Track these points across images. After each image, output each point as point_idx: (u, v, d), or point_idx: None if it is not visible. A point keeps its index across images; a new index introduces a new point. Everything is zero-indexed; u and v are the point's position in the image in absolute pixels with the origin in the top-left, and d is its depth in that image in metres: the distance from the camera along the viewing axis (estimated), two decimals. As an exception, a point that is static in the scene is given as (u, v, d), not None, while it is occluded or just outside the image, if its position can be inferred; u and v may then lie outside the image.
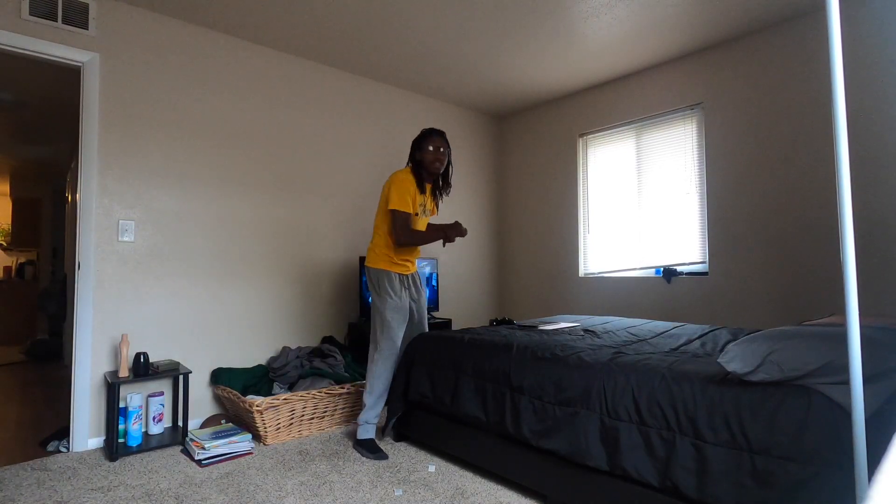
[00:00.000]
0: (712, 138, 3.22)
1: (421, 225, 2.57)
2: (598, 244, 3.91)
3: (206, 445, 2.32)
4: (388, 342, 2.46)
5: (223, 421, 2.79)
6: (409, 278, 2.62)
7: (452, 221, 2.60)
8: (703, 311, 3.24)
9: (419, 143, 2.49)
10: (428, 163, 2.45)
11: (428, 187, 2.56)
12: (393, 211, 2.39)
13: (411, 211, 2.41)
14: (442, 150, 2.47)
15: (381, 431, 2.70)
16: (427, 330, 2.70)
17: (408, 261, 2.59)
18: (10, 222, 6.91)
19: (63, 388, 3.93)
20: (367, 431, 2.46)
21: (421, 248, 2.64)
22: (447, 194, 2.64)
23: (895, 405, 1.38)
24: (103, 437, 2.58)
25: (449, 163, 2.56)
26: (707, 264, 3.24)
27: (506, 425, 1.95)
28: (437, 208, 2.69)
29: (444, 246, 2.56)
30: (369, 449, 2.40)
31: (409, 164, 2.52)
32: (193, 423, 2.85)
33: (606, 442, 1.64)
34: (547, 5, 2.74)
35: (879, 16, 2.61)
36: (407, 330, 2.65)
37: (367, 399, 2.47)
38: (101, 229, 2.62)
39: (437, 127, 4.20)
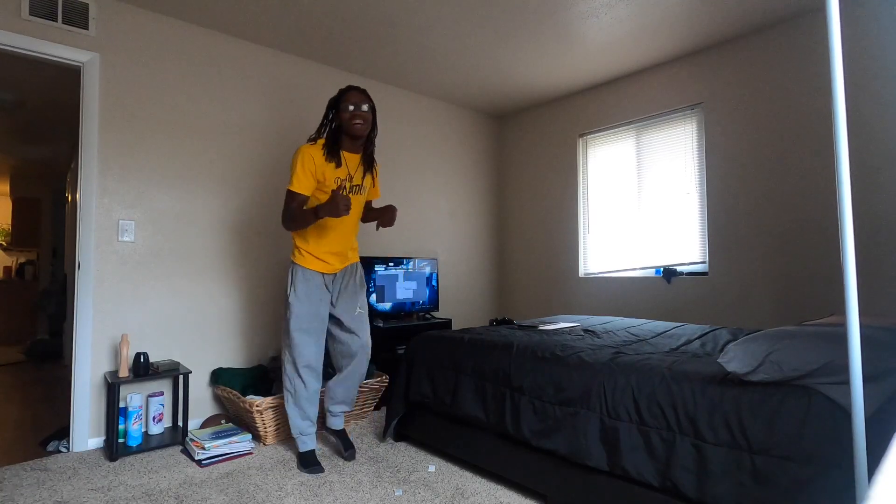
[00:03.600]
0: (712, 138, 3.22)
1: (353, 205, 2.25)
2: (598, 244, 3.91)
3: (206, 445, 2.32)
4: (293, 353, 2.21)
5: (223, 421, 2.79)
6: (336, 279, 2.31)
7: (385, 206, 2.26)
8: (703, 311, 3.24)
9: (336, 103, 2.15)
10: (345, 122, 2.11)
11: (353, 158, 2.22)
12: (287, 191, 2.12)
13: (307, 192, 2.10)
14: (364, 107, 2.12)
15: (383, 433, 2.70)
16: (363, 342, 2.34)
17: (333, 255, 2.25)
18: (10, 222, 6.90)
19: (63, 388, 3.93)
20: (302, 444, 2.27)
21: (350, 240, 2.31)
22: (375, 164, 2.33)
23: (895, 405, 1.38)
24: (103, 437, 2.58)
25: (374, 127, 2.23)
26: (707, 264, 3.24)
27: (506, 425, 1.95)
28: (376, 184, 2.41)
29: (377, 229, 2.35)
30: (303, 462, 2.24)
31: (319, 135, 2.18)
32: (193, 423, 2.85)
33: (606, 442, 1.64)
34: (547, 5, 2.74)
35: (879, 16, 2.61)
36: (335, 346, 2.36)
37: (287, 410, 2.27)
38: (101, 229, 2.62)
39: (438, 127, 4.20)
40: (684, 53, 3.33)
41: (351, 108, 2.10)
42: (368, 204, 2.48)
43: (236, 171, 3.09)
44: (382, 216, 2.22)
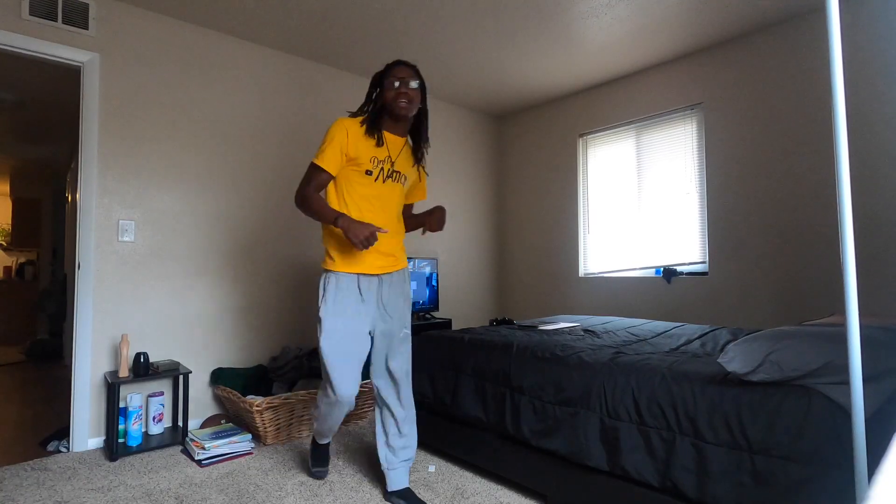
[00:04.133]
0: (712, 138, 3.22)
1: (389, 193, 1.87)
2: (598, 244, 3.91)
3: (206, 445, 2.32)
4: (330, 383, 1.80)
5: (223, 421, 2.79)
6: (381, 286, 1.88)
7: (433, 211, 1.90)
8: (703, 311, 3.24)
9: (380, 79, 1.84)
10: (390, 101, 1.78)
11: (396, 142, 1.87)
12: (310, 164, 1.82)
13: (332, 169, 1.77)
14: (411, 84, 1.78)
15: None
16: (406, 369, 1.94)
17: (374, 251, 1.84)
18: (10, 222, 6.90)
19: (63, 388, 3.93)
20: (321, 438, 2.10)
21: (395, 237, 1.91)
22: (425, 152, 1.97)
23: (895, 405, 1.38)
24: (103, 437, 2.58)
25: (425, 112, 1.90)
26: (707, 264, 3.24)
27: (506, 425, 1.95)
28: (423, 176, 2.05)
29: (423, 234, 1.96)
30: (313, 459, 2.12)
31: (363, 112, 1.86)
32: (193, 423, 2.85)
33: (606, 442, 1.64)
34: (547, 5, 2.74)
35: (879, 16, 2.61)
36: (374, 363, 1.93)
37: (313, 416, 2.03)
38: (101, 229, 2.62)
39: (438, 127, 4.20)
40: (684, 53, 3.33)
41: (397, 84, 1.77)
42: (409, 208, 2.12)
43: (236, 170, 3.09)
44: (429, 218, 1.88)
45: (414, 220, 2.07)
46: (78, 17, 2.56)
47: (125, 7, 2.71)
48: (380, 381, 1.92)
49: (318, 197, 1.77)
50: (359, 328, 1.81)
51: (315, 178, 1.79)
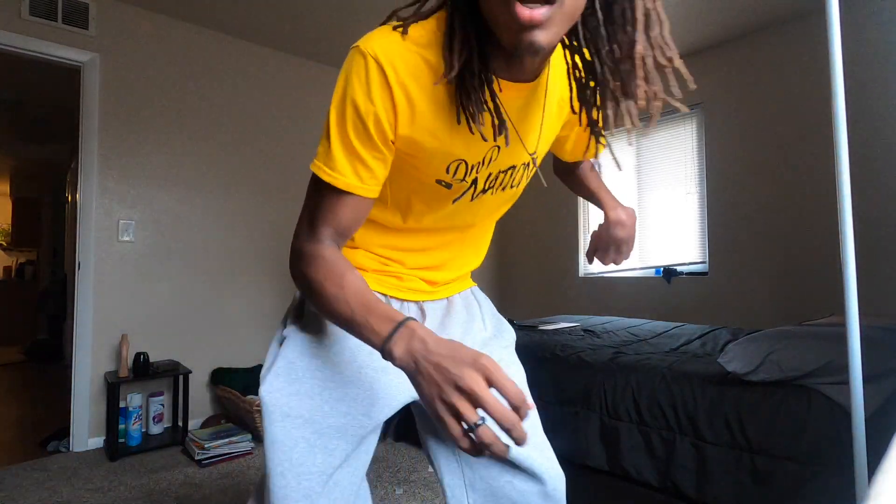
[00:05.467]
0: (712, 138, 3.22)
1: (478, 211, 0.79)
2: (598, 244, 3.90)
3: (206, 445, 2.32)
4: None
5: (223, 421, 2.79)
6: (417, 314, 0.86)
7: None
8: (703, 311, 3.23)
9: None
10: (495, 13, 0.53)
11: (519, 93, 0.66)
12: (311, 180, 0.68)
13: (366, 191, 0.66)
14: None
15: (383, 433, 2.70)
16: (552, 477, 0.82)
17: (418, 270, 0.84)
18: (10, 222, 6.90)
19: (63, 388, 3.93)
20: None
21: (469, 258, 0.91)
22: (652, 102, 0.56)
23: (895, 405, 1.38)
24: (103, 437, 2.58)
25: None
26: (707, 264, 3.24)
27: (506, 425, 1.95)
28: (595, 141, 0.67)
29: (588, 261, 0.95)
30: None
31: (416, 15, 0.69)
32: (193, 423, 2.84)
33: (606, 442, 1.64)
34: (547, 5, 2.74)
35: (879, 16, 2.61)
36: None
37: None
38: (101, 229, 2.62)
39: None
40: (684, 53, 3.33)
41: None
42: (569, 164, 0.99)
43: (236, 170, 3.09)
44: (602, 240, 0.91)
45: (584, 192, 1.00)
46: (78, 17, 2.56)
47: (125, 7, 2.71)
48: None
49: (337, 268, 0.69)
50: (347, 420, 0.77)
51: (330, 213, 0.68)
